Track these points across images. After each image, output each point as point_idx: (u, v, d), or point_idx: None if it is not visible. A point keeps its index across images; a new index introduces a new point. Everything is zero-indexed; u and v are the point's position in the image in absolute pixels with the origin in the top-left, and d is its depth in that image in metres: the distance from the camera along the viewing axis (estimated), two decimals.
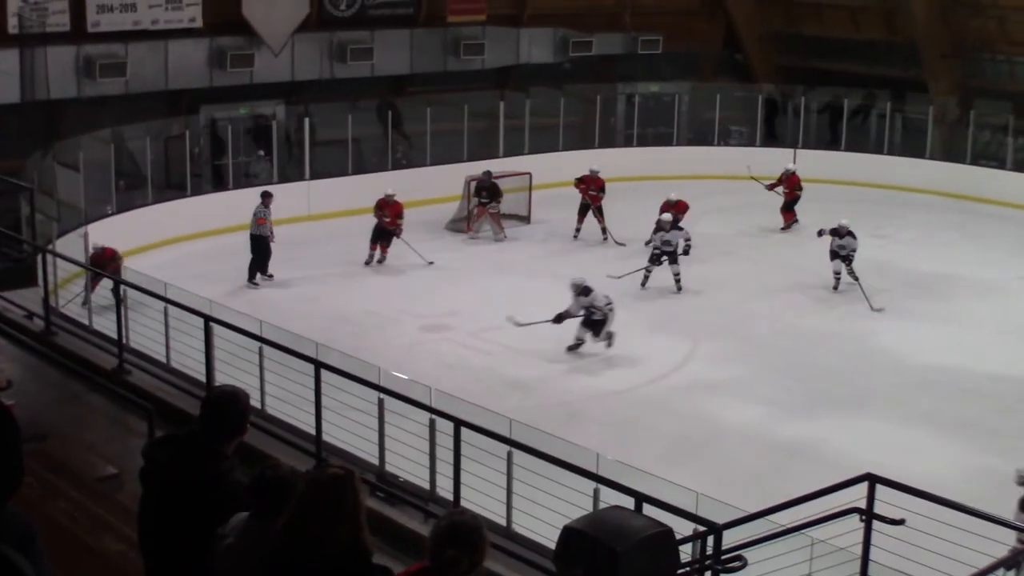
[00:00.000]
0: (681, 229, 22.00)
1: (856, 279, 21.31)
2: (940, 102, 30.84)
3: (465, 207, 26.13)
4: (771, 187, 26.66)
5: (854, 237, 21.63)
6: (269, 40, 26.62)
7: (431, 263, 22.95)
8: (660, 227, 21.83)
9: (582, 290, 18.06)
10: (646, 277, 21.83)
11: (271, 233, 21.90)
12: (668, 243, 21.67)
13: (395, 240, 23.10)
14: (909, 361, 18.36)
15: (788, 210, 26.52)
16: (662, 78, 33.35)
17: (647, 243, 22.28)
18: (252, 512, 4.93)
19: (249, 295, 20.53)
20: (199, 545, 4.99)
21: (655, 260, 21.81)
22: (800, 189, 26.52)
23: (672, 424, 15.92)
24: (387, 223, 23.03)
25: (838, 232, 21.71)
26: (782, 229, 26.39)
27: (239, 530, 4.92)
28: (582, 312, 18.17)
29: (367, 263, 22.96)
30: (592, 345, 18.32)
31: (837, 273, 21.74)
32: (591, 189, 25.22)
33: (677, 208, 23.53)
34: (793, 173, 26.64)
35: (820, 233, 22.12)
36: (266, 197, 22.04)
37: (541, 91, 31.05)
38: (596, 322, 18.17)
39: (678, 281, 21.65)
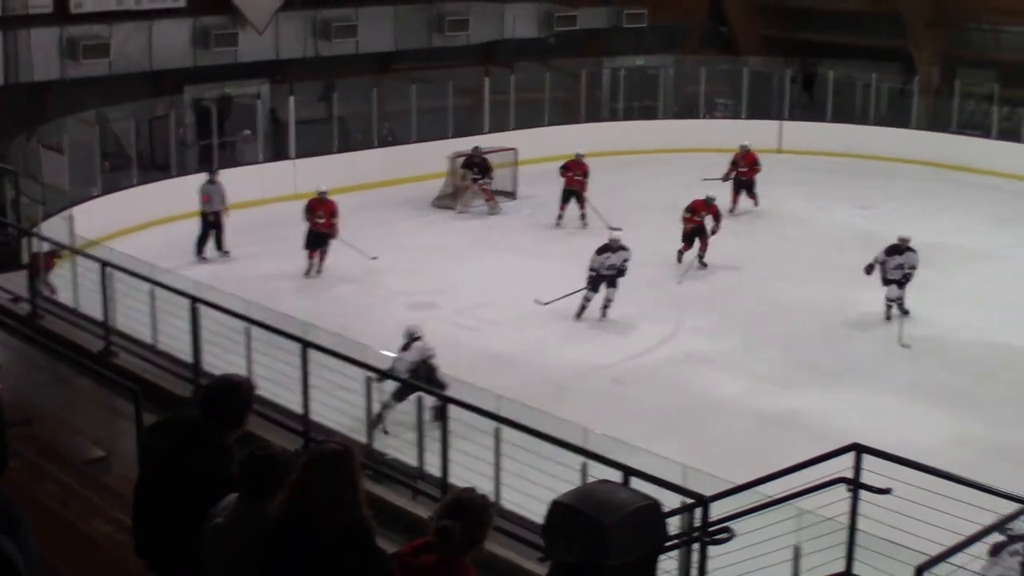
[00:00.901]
0: (626, 250, 18.94)
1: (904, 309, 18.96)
2: (925, 71, 30.85)
3: (451, 184, 26.08)
4: (726, 176, 25.34)
5: (914, 251, 19.10)
6: (253, 19, 26.51)
7: (375, 258, 21.14)
8: (608, 248, 18.87)
9: (413, 339, 14.43)
10: (583, 308, 18.82)
11: (224, 210, 21.88)
12: (613, 267, 18.84)
13: (333, 243, 20.89)
14: (895, 330, 18.40)
15: (750, 191, 25.38)
16: (647, 51, 33.34)
17: (589, 274, 18.89)
18: (242, 493, 4.95)
19: (236, 275, 20.41)
20: (191, 530, 5.01)
21: (594, 286, 18.86)
22: (758, 164, 25.49)
23: (659, 397, 15.97)
24: (321, 225, 20.68)
25: (897, 249, 19.06)
26: (754, 205, 25.59)
27: (229, 510, 4.94)
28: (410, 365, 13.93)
29: (307, 274, 20.74)
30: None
31: (892, 301, 18.94)
32: (576, 175, 24.45)
33: (710, 210, 21.78)
34: (749, 151, 25.48)
35: (870, 269, 19.07)
36: (212, 174, 22.18)
37: (526, 66, 30.98)
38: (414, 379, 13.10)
39: (607, 307, 18.84)
